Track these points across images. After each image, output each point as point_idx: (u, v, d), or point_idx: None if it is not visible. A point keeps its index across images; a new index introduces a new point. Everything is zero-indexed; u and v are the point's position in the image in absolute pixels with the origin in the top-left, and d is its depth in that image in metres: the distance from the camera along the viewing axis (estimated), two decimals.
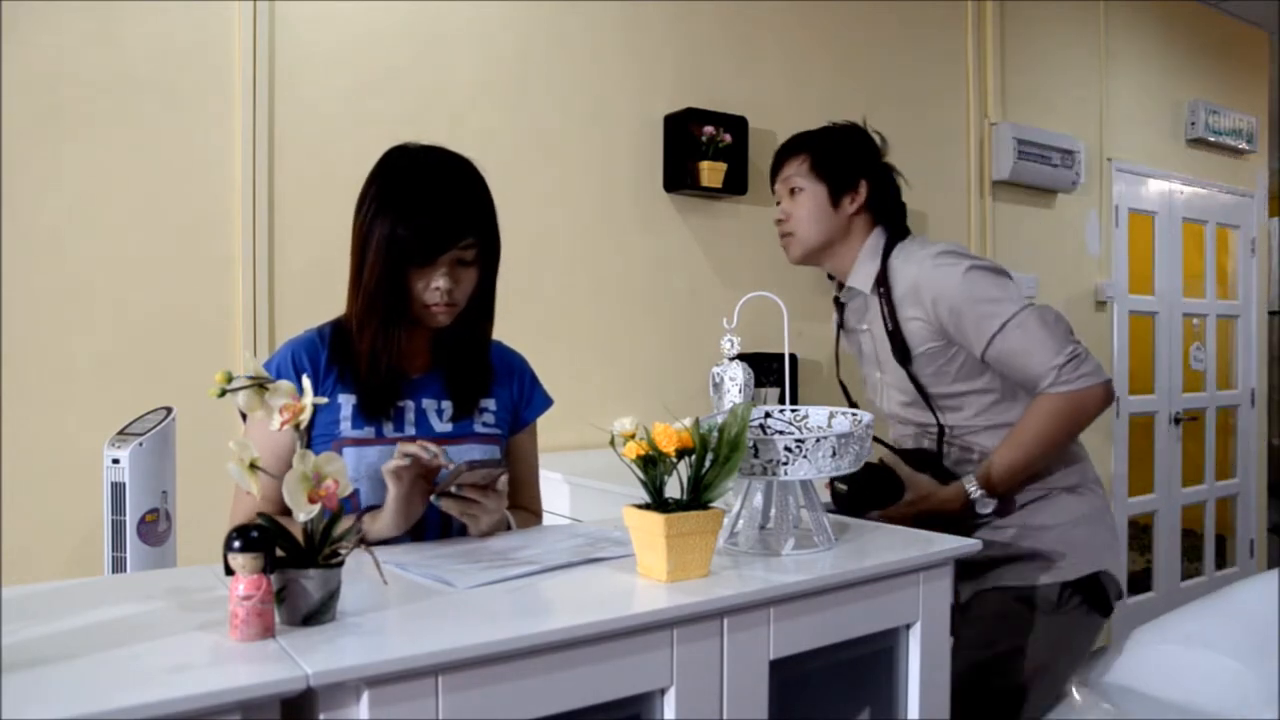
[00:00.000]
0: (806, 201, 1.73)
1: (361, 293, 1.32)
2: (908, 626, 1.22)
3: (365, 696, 0.80)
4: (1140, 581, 4.31)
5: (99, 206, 1.98)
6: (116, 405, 1.91)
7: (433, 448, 1.23)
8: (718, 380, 1.31)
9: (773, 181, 1.82)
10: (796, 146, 1.77)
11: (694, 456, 1.08)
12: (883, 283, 1.68)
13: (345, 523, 0.95)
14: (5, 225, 1.88)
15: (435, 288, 1.30)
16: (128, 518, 1.67)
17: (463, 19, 2.44)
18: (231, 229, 2.13)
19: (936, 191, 3.47)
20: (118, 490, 1.67)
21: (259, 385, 0.94)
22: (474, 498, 1.27)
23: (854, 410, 1.32)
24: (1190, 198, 4.54)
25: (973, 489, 1.61)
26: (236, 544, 0.84)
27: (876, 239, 1.73)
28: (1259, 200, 4.92)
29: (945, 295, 1.61)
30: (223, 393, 0.92)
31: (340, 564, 0.91)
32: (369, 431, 1.34)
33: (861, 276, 1.73)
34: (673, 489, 1.09)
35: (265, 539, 0.85)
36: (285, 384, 0.95)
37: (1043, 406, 1.59)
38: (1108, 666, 1.84)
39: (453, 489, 1.25)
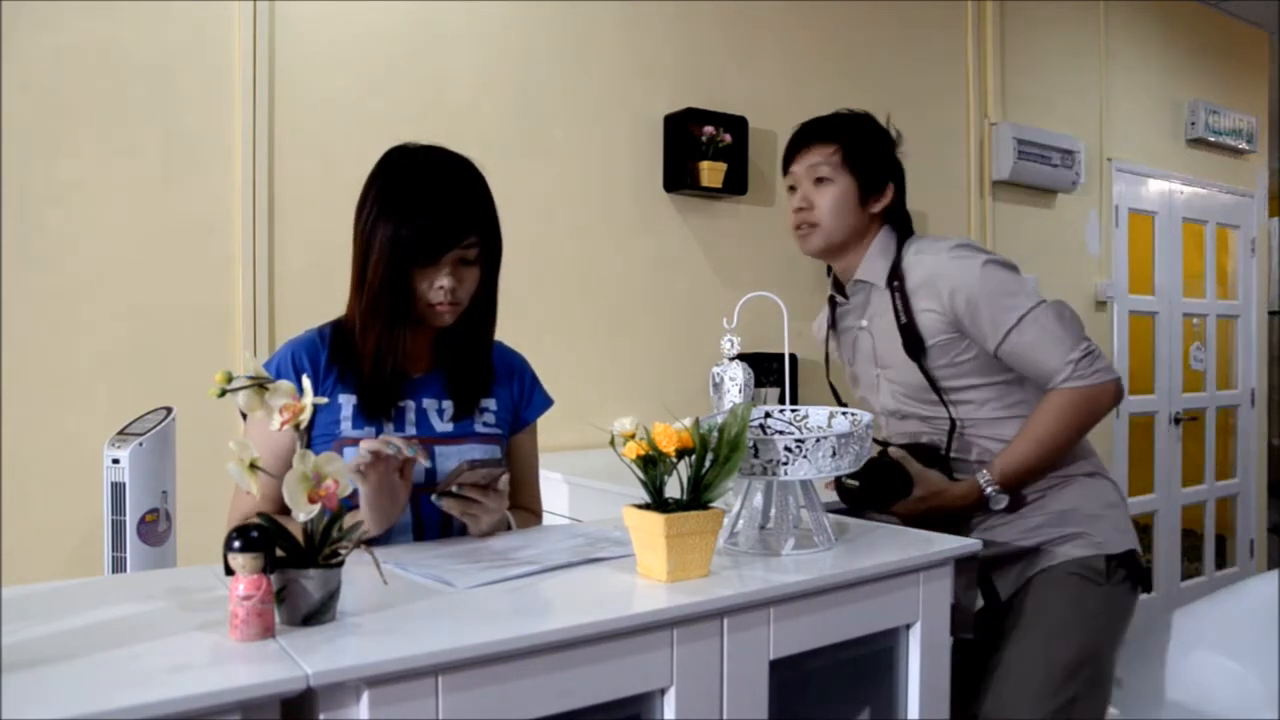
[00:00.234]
0: (835, 194, 1.69)
1: (365, 294, 1.32)
2: (908, 626, 1.22)
3: (365, 696, 0.80)
4: None
5: (99, 206, 1.98)
6: (116, 405, 1.91)
7: (397, 441, 1.21)
8: (718, 380, 1.31)
9: (789, 162, 1.74)
10: (826, 134, 1.71)
11: (694, 456, 1.08)
12: (896, 276, 1.68)
13: (350, 519, 0.94)
14: (5, 225, 1.88)
15: (439, 287, 1.30)
16: (128, 518, 1.68)
17: (463, 19, 2.44)
18: (231, 229, 2.13)
19: (936, 191, 3.47)
20: (118, 490, 1.67)
21: (259, 385, 0.94)
22: (474, 497, 1.27)
23: (853, 410, 1.32)
24: (1190, 198, 4.54)
25: (986, 484, 1.61)
26: (236, 544, 0.84)
27: (887, 236, 1.73)
28: (1259, 200, 4.93)
29: (963, 287, 1.60)
30: (223, 393, 0.92)
31: (340, 564, 0.91)
32: (369, 431, 1.34)
33: (874, 270, 1.72)
34: (673, 489, 1.09)
35: (265, 539, 0.85)
36: (285, 384, 0.95)
37: (1057, 402, 1.58)
38: None
39: (453, 488, 1.26)
